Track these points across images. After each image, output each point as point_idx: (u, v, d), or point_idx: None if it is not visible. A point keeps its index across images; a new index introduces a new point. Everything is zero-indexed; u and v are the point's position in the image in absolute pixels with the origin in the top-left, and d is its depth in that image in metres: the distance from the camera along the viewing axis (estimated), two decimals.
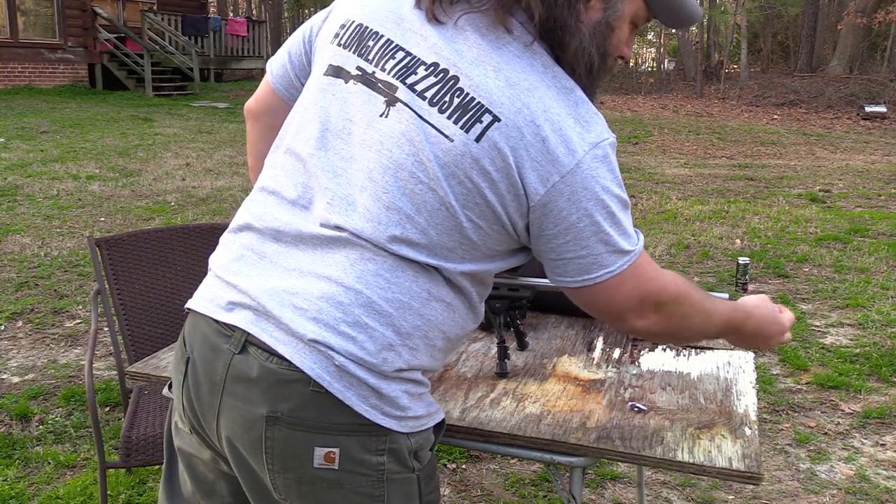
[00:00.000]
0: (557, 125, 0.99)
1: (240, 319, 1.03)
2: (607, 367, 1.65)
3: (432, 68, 1.02)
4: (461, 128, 0.99)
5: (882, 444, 2.96)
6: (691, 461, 1.27)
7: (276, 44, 24.66)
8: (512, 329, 1.69)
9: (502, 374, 1.59)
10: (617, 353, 1.72)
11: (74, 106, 13.14)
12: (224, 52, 17.72)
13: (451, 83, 1.01)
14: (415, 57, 1.03)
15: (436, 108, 1.00)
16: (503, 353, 1.59)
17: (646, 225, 6.48)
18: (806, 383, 3.48)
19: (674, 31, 24.76)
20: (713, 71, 19.69)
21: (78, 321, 4.04)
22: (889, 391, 3.41)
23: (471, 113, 0.99)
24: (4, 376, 3.39)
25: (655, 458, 1.29)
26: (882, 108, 15.48)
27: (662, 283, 1.11)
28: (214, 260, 1.14)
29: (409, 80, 1.02)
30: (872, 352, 3.81)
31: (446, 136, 0.99)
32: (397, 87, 1.03)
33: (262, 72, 21.96)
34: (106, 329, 2.29)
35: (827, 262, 5.44)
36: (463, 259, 1.05)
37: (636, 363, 1.67)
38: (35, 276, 4.72)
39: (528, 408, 1.44)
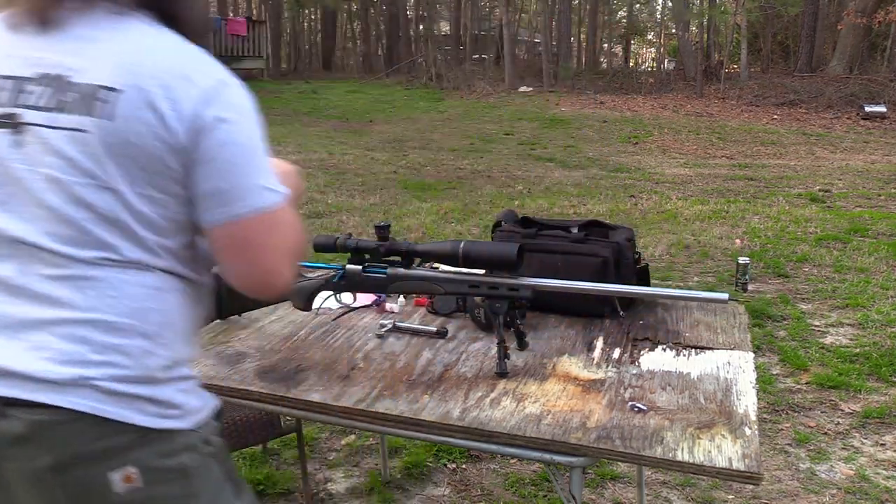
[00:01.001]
0: (175, 72, 1.00)
1: None
2: (607, 366, 1.65)
3: (39, 80, 1.03)
4: (89, 116, 0.99)
5: (882, 444, 2.96)
6: (691, 461, 1.28)
7: (276, 44, 24.67)
8: (512, 329, 1.70)
9: (502, 374, 1.59)
10: (617, 352, 1.72)
11: None
12: (224, 52, 17.74)
13: (60, 83, 1.01)
14: (18, 78, 1.04)
15: (59, 112, 1.01)
16: (503, 353, 1.60)
17: (646, 225, 6.48)
18: (806, 383, 3.48)
19: (674, 30, 24.73)
20: (713, 71, 19.68)
21: None
22: (889, 391, 3.41)
23: (90, 98, 0.99)
24: None
25: (655, 458, 1.29)
26: (882, 108, 15.47)
27: (302, 233, 1.11)
28: None
29: (25, 102, 1.03)
30: (872, 352, 3.81)
31: (81, 131, 0.99)
32: (17, 114, 1.03)
33: (262, 71, 21.67)
34: None
35: (827, 262, 5.44)
36: (161, 237, 1.04)
37: (636, 363, 1.67)
38: None
39: (528, 408, 1.44)
